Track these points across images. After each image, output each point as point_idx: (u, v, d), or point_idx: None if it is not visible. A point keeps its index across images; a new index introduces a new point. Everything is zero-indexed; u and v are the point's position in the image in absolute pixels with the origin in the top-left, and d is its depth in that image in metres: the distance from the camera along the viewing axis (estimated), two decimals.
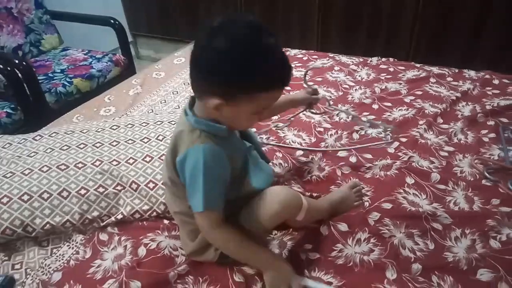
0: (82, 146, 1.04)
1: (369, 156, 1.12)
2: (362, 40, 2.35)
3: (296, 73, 1.61)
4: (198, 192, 0.68)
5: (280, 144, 1.17)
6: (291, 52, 1.80)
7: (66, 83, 1.86)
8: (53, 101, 1.79)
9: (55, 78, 1.89)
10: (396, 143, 1.16)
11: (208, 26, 0.63)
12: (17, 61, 1.66)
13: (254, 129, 1.18)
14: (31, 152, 1.04)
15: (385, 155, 1.11)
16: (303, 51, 1.80)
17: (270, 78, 0.64)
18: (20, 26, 2.05)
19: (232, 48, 0.61)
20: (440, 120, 1.27)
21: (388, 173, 1.04)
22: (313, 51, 1.81)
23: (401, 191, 0.98)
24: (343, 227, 0.88)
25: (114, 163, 0.99)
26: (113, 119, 1.24)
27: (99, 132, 1.11)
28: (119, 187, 0.95)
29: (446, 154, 1.12)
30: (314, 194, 0.98)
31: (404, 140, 1.18)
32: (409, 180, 1.02)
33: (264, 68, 0.63)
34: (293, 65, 1.67)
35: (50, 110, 1.74)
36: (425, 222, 0.89)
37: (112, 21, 2.14)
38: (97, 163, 0.98)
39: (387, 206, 0.94)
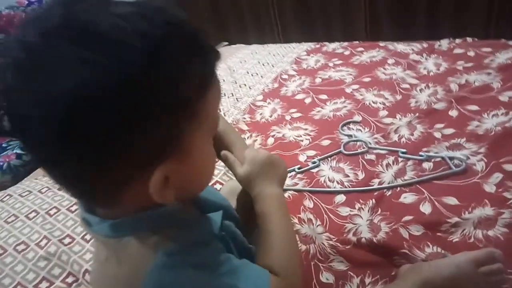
0: (32, 215, 0.77)
1: (453, 200, 0.70)
2: (422, 19, 1.86)
3: (335, 74, 1.22)
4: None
5: (305, 189, 0.80)
6: (328, 47, 1.40)
7: None
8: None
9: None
10: (499, 176, 0.72)
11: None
12: None
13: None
14: None
15: (481, 198, 0.69)
16: (344, 44, 1.39)
17: (201, 74, 0.36)
18: None
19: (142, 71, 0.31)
20: None
21: (491, 233, 0.62)
22: (357, 42, 1.40)
23: None
24: None
25: (66, 240, 0.69)
26: None
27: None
28: (69, 279, 0.66)
29: None
30: (367, 280, 0.60)
31: (508, 167, 0.74)
32: None
33: (189, 66, 0.35)
34: (331, 64, 1.29)
35: None
36: None
37: None
38: (43, 242, 0.70)
39: None
